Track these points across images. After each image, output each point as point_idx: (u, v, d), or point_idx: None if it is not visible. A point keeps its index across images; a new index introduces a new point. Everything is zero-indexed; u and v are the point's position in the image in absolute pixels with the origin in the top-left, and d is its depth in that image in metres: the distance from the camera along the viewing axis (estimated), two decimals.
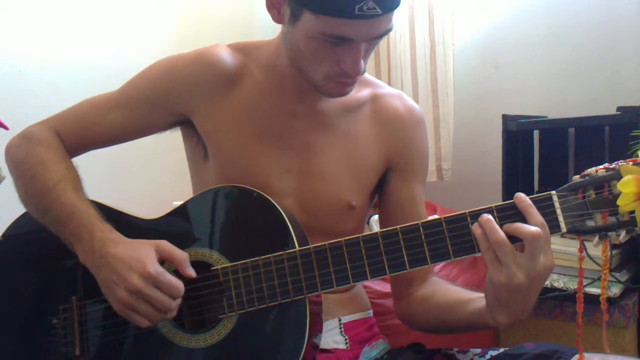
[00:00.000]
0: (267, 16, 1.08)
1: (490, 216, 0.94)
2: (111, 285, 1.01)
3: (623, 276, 1.76)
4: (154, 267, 0.98)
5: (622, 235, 0.93)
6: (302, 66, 1.08)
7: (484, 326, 1.04)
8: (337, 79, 1.06)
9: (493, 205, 0.96)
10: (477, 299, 1.06)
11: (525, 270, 0.91)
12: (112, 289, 1.01)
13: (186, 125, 1.21)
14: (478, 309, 1.03)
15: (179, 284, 1.00)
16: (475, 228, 0.94)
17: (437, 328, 1.17)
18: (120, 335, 1.07)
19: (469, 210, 0.96)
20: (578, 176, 0.95)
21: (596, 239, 0.94)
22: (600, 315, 1.70)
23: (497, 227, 0.93)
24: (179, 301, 1.01)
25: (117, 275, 0.99)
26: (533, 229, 0.91)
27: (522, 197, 0.95)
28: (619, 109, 1.90)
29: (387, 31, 1.03)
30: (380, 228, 1.21)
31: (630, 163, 0.89)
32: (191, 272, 1.02)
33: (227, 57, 1.16)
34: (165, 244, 1.03)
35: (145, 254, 1.00)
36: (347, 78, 1.06)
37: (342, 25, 0.98)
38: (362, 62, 1.04)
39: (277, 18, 1.08)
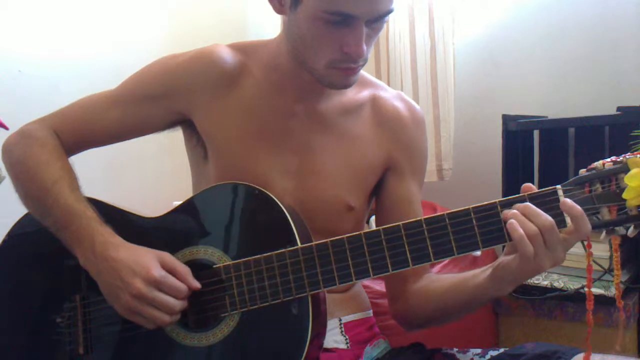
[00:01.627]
0: (260, 17, 1.08)
1: (527, 202, 0.93)
2: (115, 290, 1.01)
3: (623, 276, 1.76)
4: (158, 271, 0.99)
5: (631, 230, 0.92)
6: (304, 56, 1.07)
7: (486, 300, 1.06)
8: (340, 64, 1.05)
9: (497, 200, 0.95)
10: (479, 273, 1.06)
11: (564, 249, 0.93)
12: (115, 294, 1.01)
13: (187, 125, 1.20)
14: (481, 283, 1.04)
15: (182, 286, 1.00)
16: (513, 215, 0.92)
17: (436, 317, 1.16)
18: (123, 333, 1.06)
19: (473, 206, 0.95)
20: (584, 170, 0.94)
21: (603, 234, 0.93)
22: (601, 315, 1.70)
23: (540, 211, 0.92)
24: (184, 302, 1.01)
25: (121, 280, 0.99)
26: (577, 207, 0.91)
27: (531, 187, 0.95)
28: (619, 109, 1.90)
29: (389, 11, 1.03)
30: None
31: (638, 156, 0.88)
32: (196, 284, 1.02)
33: (227, 56, 1.16)
34: (168, 257, 1.03)
35: (148, 259, 1.00)
36: (351, 63, 1.05)
37: (345, 0, 0.98)
38: (364, 45, 1.02)
39: (278, 8, 1.08)
